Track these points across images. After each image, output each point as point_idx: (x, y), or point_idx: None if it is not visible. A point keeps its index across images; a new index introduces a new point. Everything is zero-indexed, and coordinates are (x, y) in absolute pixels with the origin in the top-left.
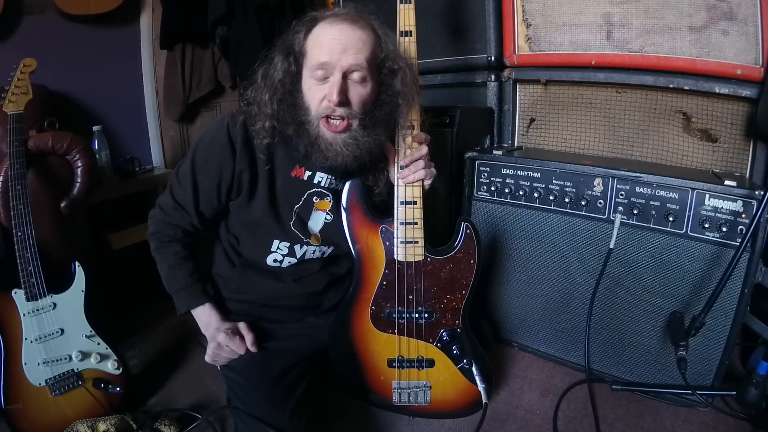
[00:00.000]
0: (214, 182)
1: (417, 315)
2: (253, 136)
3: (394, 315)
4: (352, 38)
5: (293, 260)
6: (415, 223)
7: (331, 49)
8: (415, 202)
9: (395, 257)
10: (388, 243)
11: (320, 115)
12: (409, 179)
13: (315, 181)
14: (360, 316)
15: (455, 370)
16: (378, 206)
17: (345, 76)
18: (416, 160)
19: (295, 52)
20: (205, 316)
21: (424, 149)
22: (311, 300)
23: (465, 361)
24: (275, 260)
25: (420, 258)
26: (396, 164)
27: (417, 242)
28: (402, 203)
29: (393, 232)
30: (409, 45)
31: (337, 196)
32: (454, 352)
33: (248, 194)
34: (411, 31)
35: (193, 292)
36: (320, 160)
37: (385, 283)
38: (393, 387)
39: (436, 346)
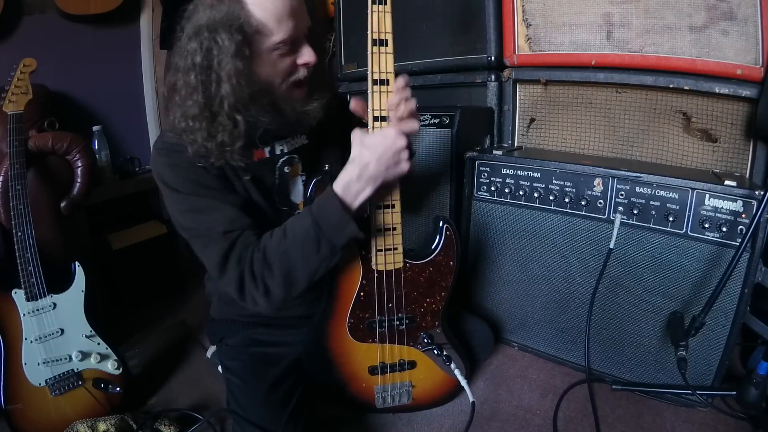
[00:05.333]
0: (222, 187)
1: (398, 322)
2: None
3: (373, 324)
4: (298, 1)
5: None
6: (394, 229)
7: (292, 17)
8: (393, 206)
9: (373, 267)
10: (364, 252)
11: (288, 85)
12: (401, 110)
13: (277, 152)
14: (337, 330)
15: (434, 366)
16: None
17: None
18: (406, 99)
19: (246, 34)
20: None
21: (407, 91)
22: (311, 308)
23: (445, 360)
24: None
25: (399, 265)
26: (370, 115)
27: (396, 249)
28: (378, 208)
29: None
30: (385, 56)
31: (301, 152)
32: (435, 351)
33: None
34: (387, 41)
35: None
36: (287, 130)
37: (362, 294)
38: (375, 392)
39: (417, 347)
